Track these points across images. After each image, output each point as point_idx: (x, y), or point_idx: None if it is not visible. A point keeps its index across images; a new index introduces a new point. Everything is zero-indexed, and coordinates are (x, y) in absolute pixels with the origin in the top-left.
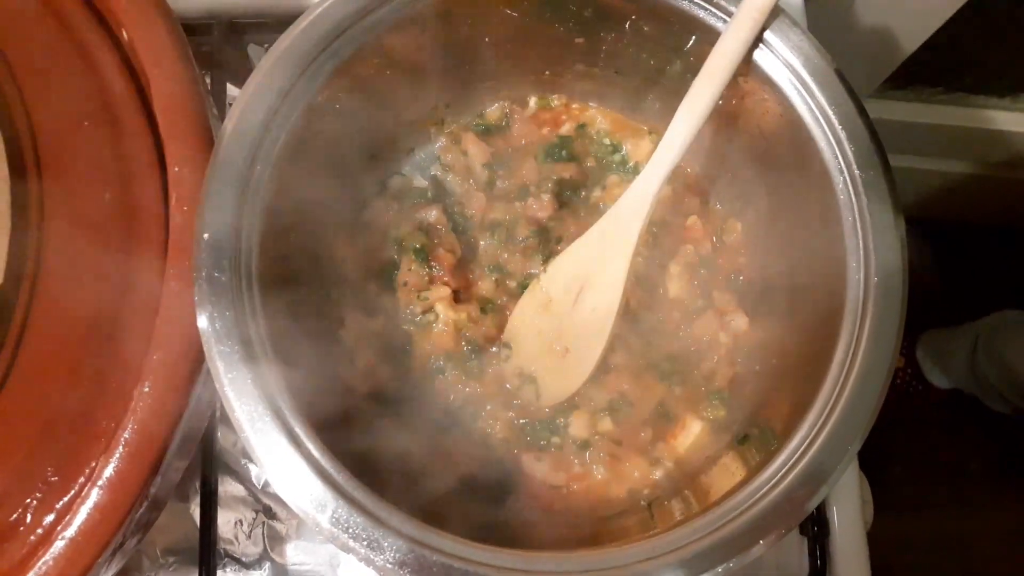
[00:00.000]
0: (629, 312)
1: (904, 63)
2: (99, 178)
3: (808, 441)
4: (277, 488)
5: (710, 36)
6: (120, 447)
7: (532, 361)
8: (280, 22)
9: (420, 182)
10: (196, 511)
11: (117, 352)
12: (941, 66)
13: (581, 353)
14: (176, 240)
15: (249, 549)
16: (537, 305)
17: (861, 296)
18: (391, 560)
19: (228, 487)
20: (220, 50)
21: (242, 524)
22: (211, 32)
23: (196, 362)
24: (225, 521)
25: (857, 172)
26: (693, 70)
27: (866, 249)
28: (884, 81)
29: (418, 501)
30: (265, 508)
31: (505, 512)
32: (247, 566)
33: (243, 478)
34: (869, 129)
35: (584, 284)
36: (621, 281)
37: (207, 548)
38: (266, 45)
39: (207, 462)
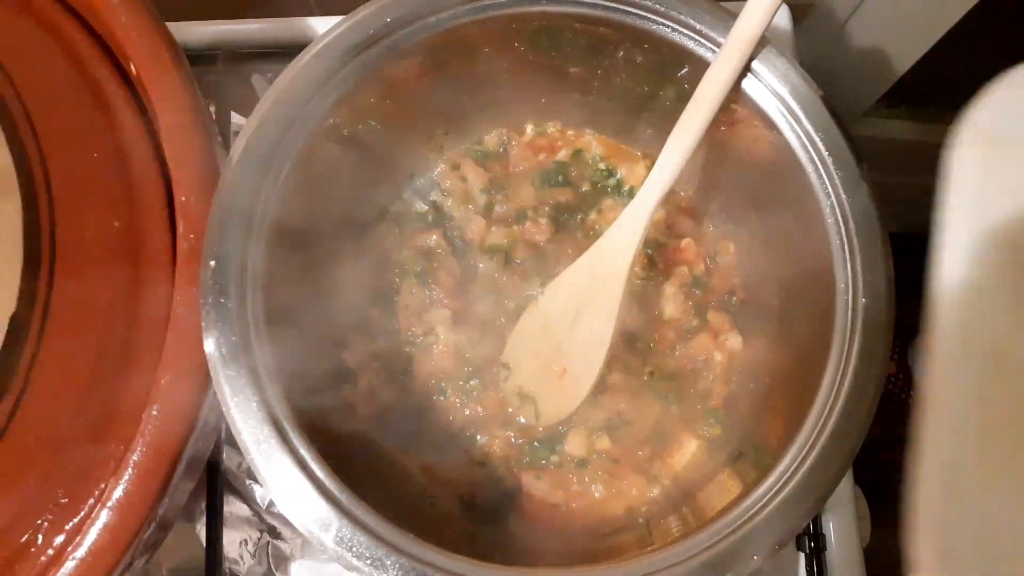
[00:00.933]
0: (626, 332)
1: (897, 82)
2: (108, 207)
3: (801, 457)
4: (282, 508)
5: (700, 65)
6: (129, 469)
7: (530, 381)
8: (283, 52)
9: (420, 207)
10: (202, 531)
11: (126, 376)
12: (933, 85)
13: (578, 374)
14: (183, 267)
15: (254, 569)
16: (535, 327)
17: (850, 316)
18: None
19: (233, 507)
20: (224, 80)
21: (247, 544)
22: (215, 62)
23: (203, 386)
24: (230, 541)
25: (844, 197)
26: (684, 97)
27: (854, 271)
28: (877, 100)
29: (420, 520)
30: (269, 528)
31: (505, 530)
32: None
33: (248, 498)
34: (855, 155)
35: (581, 306)
36: (616, 303)
37: (213, 568)
38: (269, 75)
39: (213, 483)
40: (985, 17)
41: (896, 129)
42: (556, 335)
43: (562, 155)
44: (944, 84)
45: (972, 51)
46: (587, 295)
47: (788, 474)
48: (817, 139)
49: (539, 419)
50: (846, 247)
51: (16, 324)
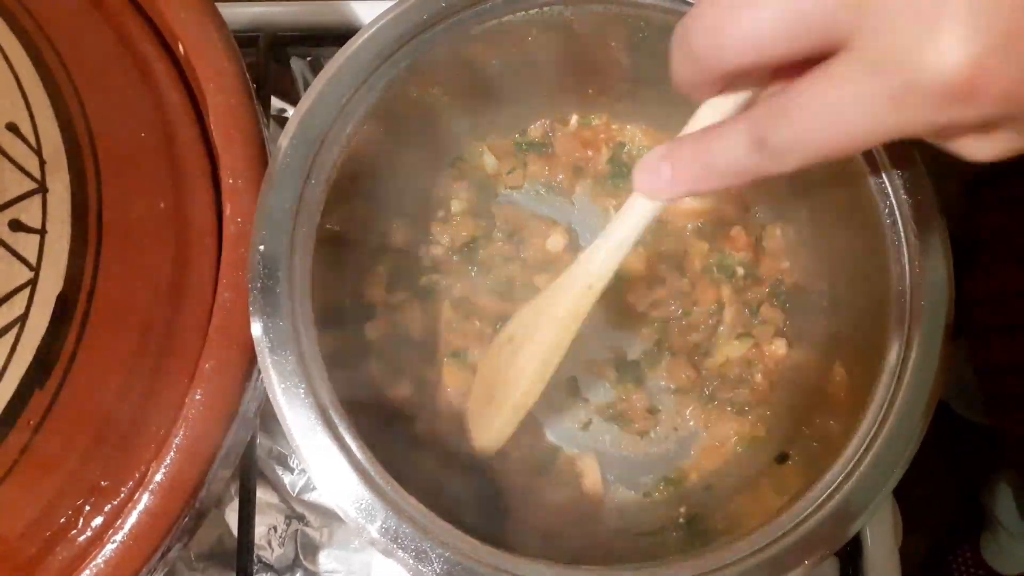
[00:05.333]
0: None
1: None
2: (155, 188)
3: (853, 463)
4: (327, 497)
5: None
6: (171, 453)
7: (469, 400)
8: (324, 36)
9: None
10: (230, 517)
11: (169, 360)
12: None
13: (500, 407)
14: (230, 251)
15: (282, 556)
16: (495, 347)
17: (908, 320)
18: (438, 571)
19: (262, 494)
20: (265, 63)
21: (275, 531)
22: (256, 45)
23: (247, 372)
24: (258, 528)
25: (902, 195)
26: None
27: (912, 273)
28: None
29: (464, 513)
30: (298, 515)
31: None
32: (279, 572)
33: (277, 485)
34: (913, 152)
35: (524, 339)
36: (548, 346)
37: (244, 555)
38: (309, 58)
39: (246, 469)
40: None
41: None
42: (498, 362)
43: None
44: None
45: None
46: (528, 332)
47: (839, 481)
48: None
49: (473, 444)
50: (904, 246)
51: (63, 303)
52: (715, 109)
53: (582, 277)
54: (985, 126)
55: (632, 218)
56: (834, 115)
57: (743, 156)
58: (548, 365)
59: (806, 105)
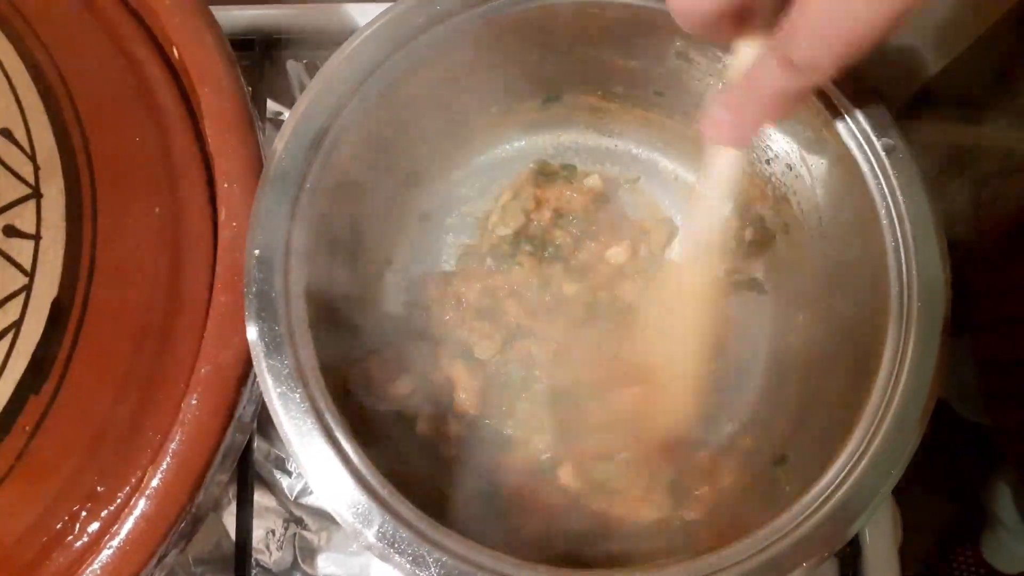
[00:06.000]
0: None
1: (924, 85)
2: (149, 192)
3: (851, 464)
4: (324, 502)
5: None
6: (167, 458)
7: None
8: (320, 39)
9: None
10: (228, 520)
11: (165, 365)
12: (961, 88)
13: (674, 391)
14: (225, 255)
15: (280, 559)
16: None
17: (904, 321)
18: (435, 575)
19: (260, 498)
20: (260, 65)
21: (273, 534)
22: (252, 48)
23: (243, 376)
24: (256, 531)
25: (900, 198)
26: None
27: (908, 274)
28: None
29: (461, 517)
30: (296, 519)
31: (541, 530)
32: None
33: (275, 489)
34: (913, 156)
35: (668, 320)
36: (694, 320)
37: (242, 559)
38: (305, 61)
39: (244, 473)
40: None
41: (924, 131)
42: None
43: None
44: (972, 88)
45: (1004, 56)
46: (671, 309)
47: (837, 482)
48: (875, 140)
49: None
50: (901, 244)
51: (58, 308)
52: (746, 52)
53: (694, 242)
54: None
55: (718, 168)
56: (846, 12)
57: (781, 79)
58: (701, 336)
59: (817, 12)
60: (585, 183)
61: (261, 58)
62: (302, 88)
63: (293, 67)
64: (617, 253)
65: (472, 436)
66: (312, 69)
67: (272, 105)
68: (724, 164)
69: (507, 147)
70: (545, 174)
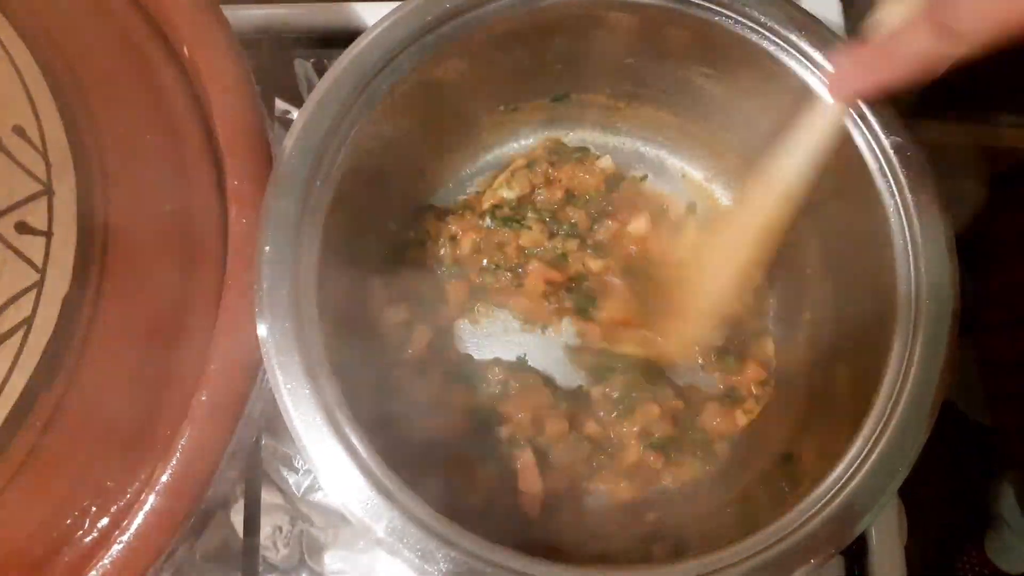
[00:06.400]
0: None
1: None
2: (160, 189)
3: (858, 463)
4: (333, 498)
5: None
6: (177, 454)
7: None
8: (328, 38)
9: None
10: (235, 518)
11: (175, 362)
12: (969, 87)
13: (691, 316)
14: (235, 252)
15: (287, 556)
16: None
17: (912, 320)
18: (444, 570)
19: (267, 495)
20: (268, 65)
21: (280, 531)
22: (261, 47)
23: (252, 373)
24: (263, 528)
25: (909, 197)
26: None
27: (917, 274)
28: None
29: (471, 513)
30: (303, 516)
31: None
32: (285, 573)
33: (282, 486)
34: (922, 155)
35: (716, 253)
36: (743, 257)
37: (250, 556)
38: (312, 60)
39: (252, 470)
40: None
41: (932, 130)
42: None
43: None
44: (980, 87)
45: (1012, 55)
46: (723, 243)
47: (844, 480)
48: (883, 138)
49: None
50: (909, 246)
51: (69, 305)
52: (895, 11)
53: (777, 187)
54: None
55: (820, 122)
56: None
57: (930, 43)
58: (743, 274)
59: None
60: (597, 164)
61: (269, 57)
62: (310, 87)
63: (301, 66)
64: (639, 225)
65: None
66: (320, 68)
67: (280, 104)
68: (824, 121)
69: (515, 144)
70: (557, 152)
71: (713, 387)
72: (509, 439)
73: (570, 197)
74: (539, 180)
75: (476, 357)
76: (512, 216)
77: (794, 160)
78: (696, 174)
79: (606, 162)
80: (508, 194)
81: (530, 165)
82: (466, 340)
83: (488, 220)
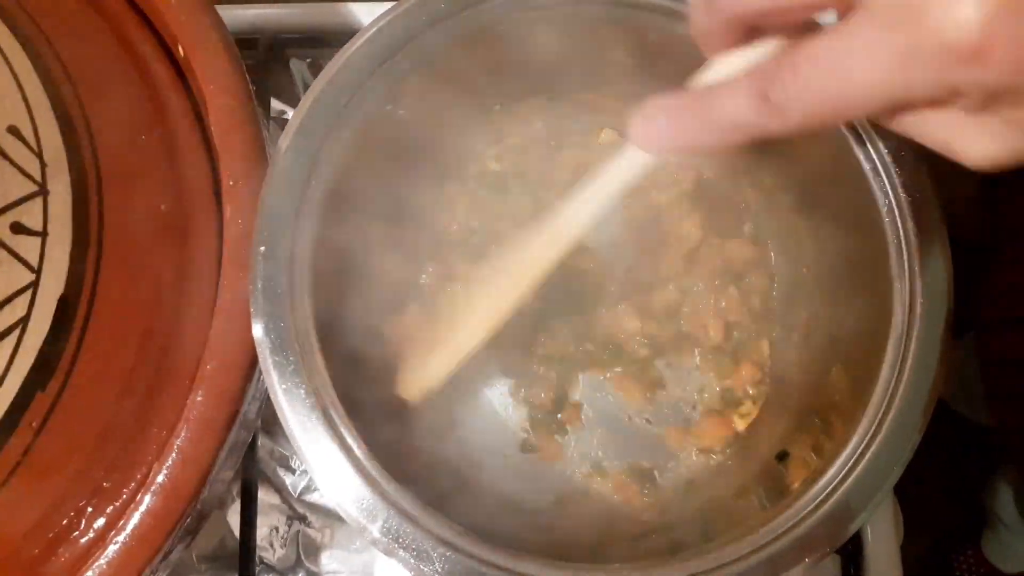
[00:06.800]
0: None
1: None
2: (155, 190)
3: (853, 461)
4: (329, 498)
5: None
6: (173, 454)
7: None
8: (324, 38)
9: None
10: (232, 518)
11: (171, 361)
12: None
13: (440, 350)
14: (230, 252)
15: (283, 557)
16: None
17: (905, 319)
18: (440, 571)
19: (263, 495)
20: (264, 64)
21: (277, 532)
22: (256, 47)
23: (248, 373)
24: (260, 529)
25: (903, 195)
26: None
27: (911, 272)
28: None
29: (467, 513)
30: (300, 516)
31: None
32: (282, 573)
33: (278, 486)
34: (915, 154)
35: (482, 283)
36: (503, 291)
37: (246, 556)
38: (308, 60)
39: (248, 470)
40: None
41: None
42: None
43: None
44: None
45: None
46: (491, 275)
47: (839, 478)
48: (877, 138)
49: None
50: (904, 244)
51: (64, 305)
52: (724, 66)
53: (554, 225)
54: (988, 100)
55: (619, 170)
56: (842, 70)
57: (745, 110)
58: (498, 311)
59: (815, 58)
60: (600, 138)
61: (265, 57)
62: (305, 87)
63: (296, 66)
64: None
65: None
66: (315, 68)
67: (276, 104)
68: (627, 164)
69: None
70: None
71: (708, 388)
72: None
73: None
74: (538, 163)
75: None
76: (503, 188)
77: (590, 203)
78: (689, 172)
79: (608, 135)
80: (496, 167)
81: (524, 147)
82: None
83: (481, 191)
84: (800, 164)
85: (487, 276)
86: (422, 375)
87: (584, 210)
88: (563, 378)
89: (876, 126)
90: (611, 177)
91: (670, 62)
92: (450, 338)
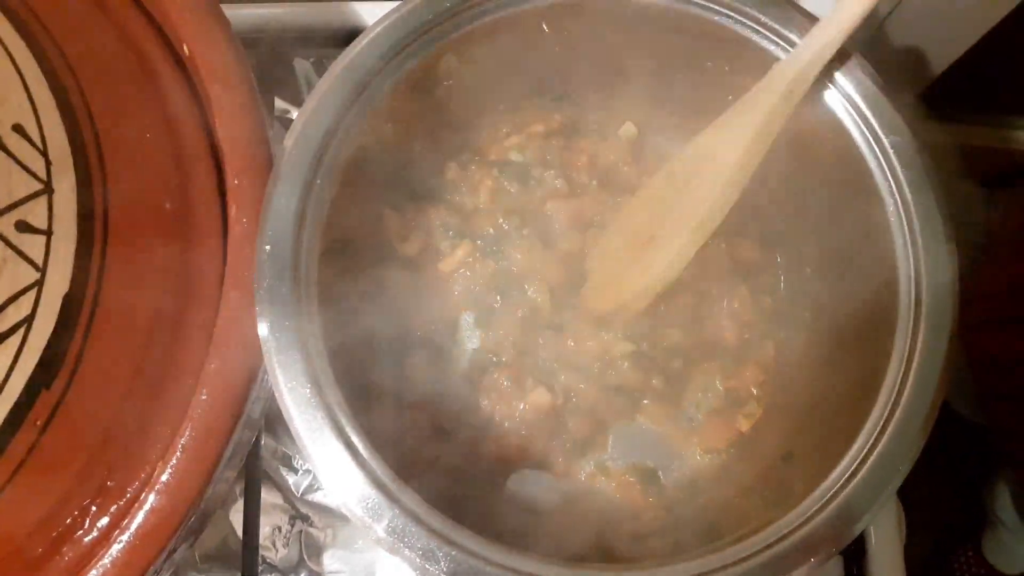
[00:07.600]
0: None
1: (929, 85)
2: (160, 188)
3: (857, 463)
4: (334, 497)
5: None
6: (177, 453)
7: (601, 256)
8: (327, 38)
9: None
10: (235, 518)
11: (176, 361)
12: (968, 86)
13: (668, 242)
14: (235, 251)
15: (286, 556)
16: (647, 189)
17: (912, 318)
18: (445, 570)
19: (266, 495)
20: (268, 64)
21: (280, 531)
22: (260, 46)
23: (253, 372)
24: (262, 528)
25: (909, 196)
26: None
27: (917, 273)
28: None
29: (472, 511)
30: (303, 516)
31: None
32: (284, 573)
33: (281, 486)
34: (923, 154)
35: (701, 164)
36: (735, 166)
37: (249, 555)
38: (312, 59)
39: (251, 470)
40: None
41: (932, 130)
42: (664, 195)
43: None
44: (978, 88)
45: (1010, 55)
46: (711, 152)
47: (844, 479)
48: (884, 138)
49: (586, 300)
50: (909, 246)
51: (69, 304)
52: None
53: (780, 83)
54: None
55: (844, 15)
56: None
57: None
58: (735, 186)
59: None
60: (620, 133)
61: (269, 56)
62: (309, 86)
63: (301, 65)
64: None
65: None
66: (319, 67)
67: (280, 103)
68: (851, 9)
69: (515, 143)
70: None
71: (713, 389)
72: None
73: (593, 167)
74: (554, 155)
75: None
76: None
77: (812, 53)
78: None
79: (627, 129)
80: (517, 157)
81: (545, 136)
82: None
83: (498, 174)
84: (805, 165)
85: (702, 156)
86: (646, 280)
87: (813, 62)
88: None
89: (883, 126)
90: (838, 24)
91: (677, 59)
92: (683, 226)
